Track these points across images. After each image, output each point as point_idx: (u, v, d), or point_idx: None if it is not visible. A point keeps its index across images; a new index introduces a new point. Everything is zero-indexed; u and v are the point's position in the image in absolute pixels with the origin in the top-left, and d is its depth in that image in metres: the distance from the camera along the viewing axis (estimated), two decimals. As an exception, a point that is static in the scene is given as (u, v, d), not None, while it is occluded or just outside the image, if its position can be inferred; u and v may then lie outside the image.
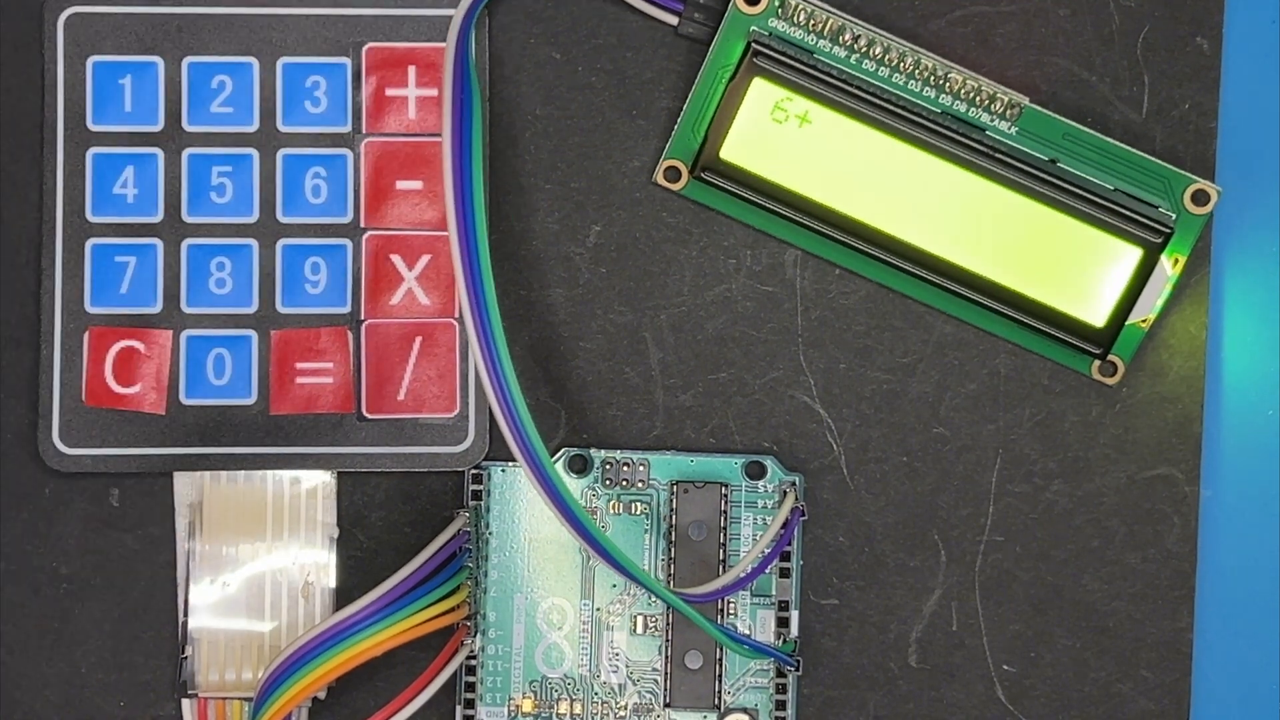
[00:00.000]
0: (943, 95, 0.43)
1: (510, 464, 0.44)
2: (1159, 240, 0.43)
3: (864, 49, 0.43)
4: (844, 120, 0.42)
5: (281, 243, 0.43)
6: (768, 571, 0.44)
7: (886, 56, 0.43)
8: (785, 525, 0.43)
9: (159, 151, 0.43)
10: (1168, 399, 0.44)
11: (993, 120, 0.43)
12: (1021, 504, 0.44)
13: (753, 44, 0.43)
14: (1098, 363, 0.44)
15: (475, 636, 0.43)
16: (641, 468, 0.44)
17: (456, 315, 0.44)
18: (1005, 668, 0.44)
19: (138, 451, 0.43)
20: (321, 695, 0.43)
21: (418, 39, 0.43)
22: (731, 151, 0.43)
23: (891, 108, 0.43)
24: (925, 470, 0.44)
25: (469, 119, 0.41)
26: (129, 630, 0.44)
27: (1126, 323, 0.43)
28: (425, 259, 0.43)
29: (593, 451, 0.44)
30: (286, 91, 0.43)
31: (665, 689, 0.44)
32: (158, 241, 0.43)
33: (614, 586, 0.44)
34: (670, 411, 0.44)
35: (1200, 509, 0.44)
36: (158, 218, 0.43)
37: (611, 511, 0.44)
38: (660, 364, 0.44)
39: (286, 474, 0.44)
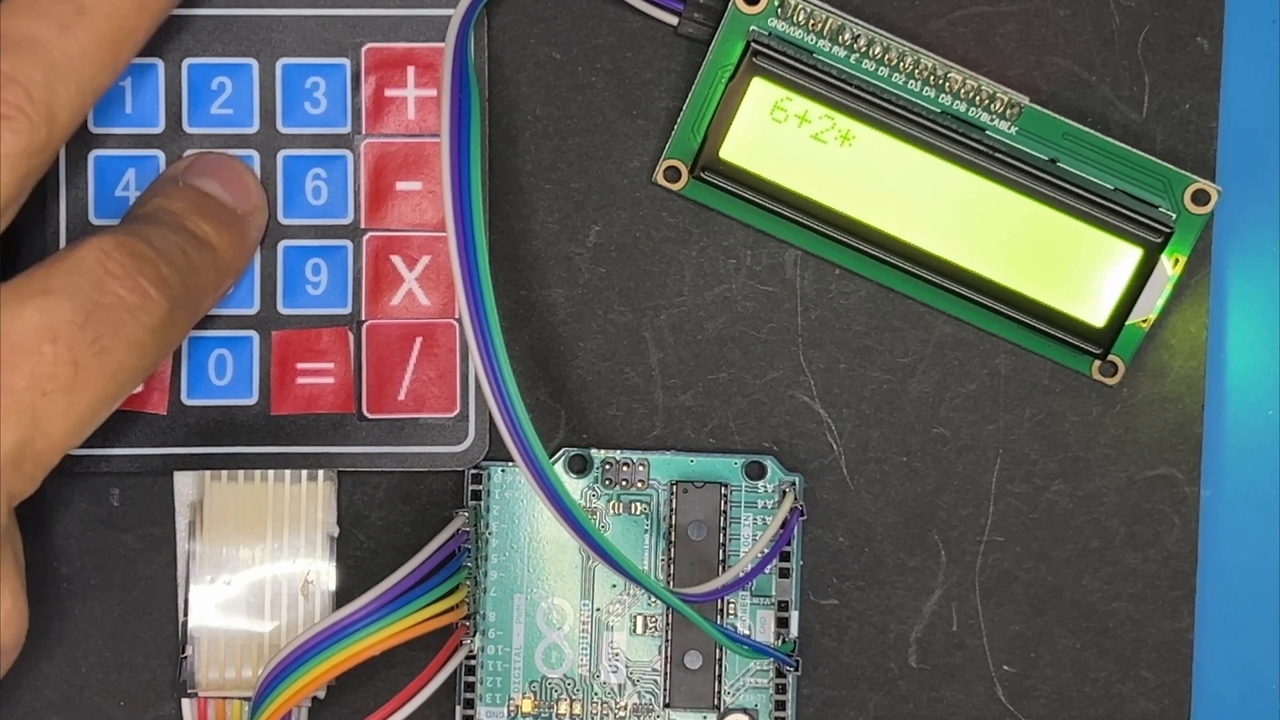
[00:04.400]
0: (943, 95, 0.43)
1: (510, 464, 0.44)
2: (1159, 240, 0.43)
3: (864, 49, 0.43)
4: (844, 120, 0.42)
5: (282, 244, 0.43)
6: (767, 571, 0.44)
7: (886, 56, 0.43)
8: (785, 525, 0.43)
9: (160, 154, 0.43)
10: (1168, 399, 0.44)
11: (993, 120, 0.43)
12: (1021, 504, 0.44)
13: (752, 44, 0.43)
14: (1098, 363, 0.44)
15: (475, 636, 0.44)
16: (641, 468, 0.44)
17: (456, 316, 0.44)
18: (1005, 668, 0.44)
19: (138, 451, 0.43)
20: (321, 694, 0.43)
21: (417, 39, 0.43)
22: (731, 151, 0.43)
23: (891, 108, 0.43)
24: (925, 470, 0.44)
25: (468, 119, 0.41)
26: (129, 630, 0.44)
27: (1127, 323, 0.43)
28: (425, 259, 0.43)
29: (593, 451, 0.44)
30: (286, 92, 0.43)
31: (665, 689, 0.44)
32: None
33: (614, 586, 0.44)
34: (670, 411, 0.44)
35: (1200, 509, 0.44)
36: (159, 219, 0.43)
37: (611, 511, 0.44)
38: (660, 364, 0.44)
39: (286, 474, 0.44)
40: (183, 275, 0.39)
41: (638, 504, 0.44)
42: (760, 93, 0.43)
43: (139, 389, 0.43)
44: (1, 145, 0.37)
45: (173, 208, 0.41)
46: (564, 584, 0.44)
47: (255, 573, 0.43)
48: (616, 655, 0.44)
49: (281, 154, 0.43)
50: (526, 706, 0.44)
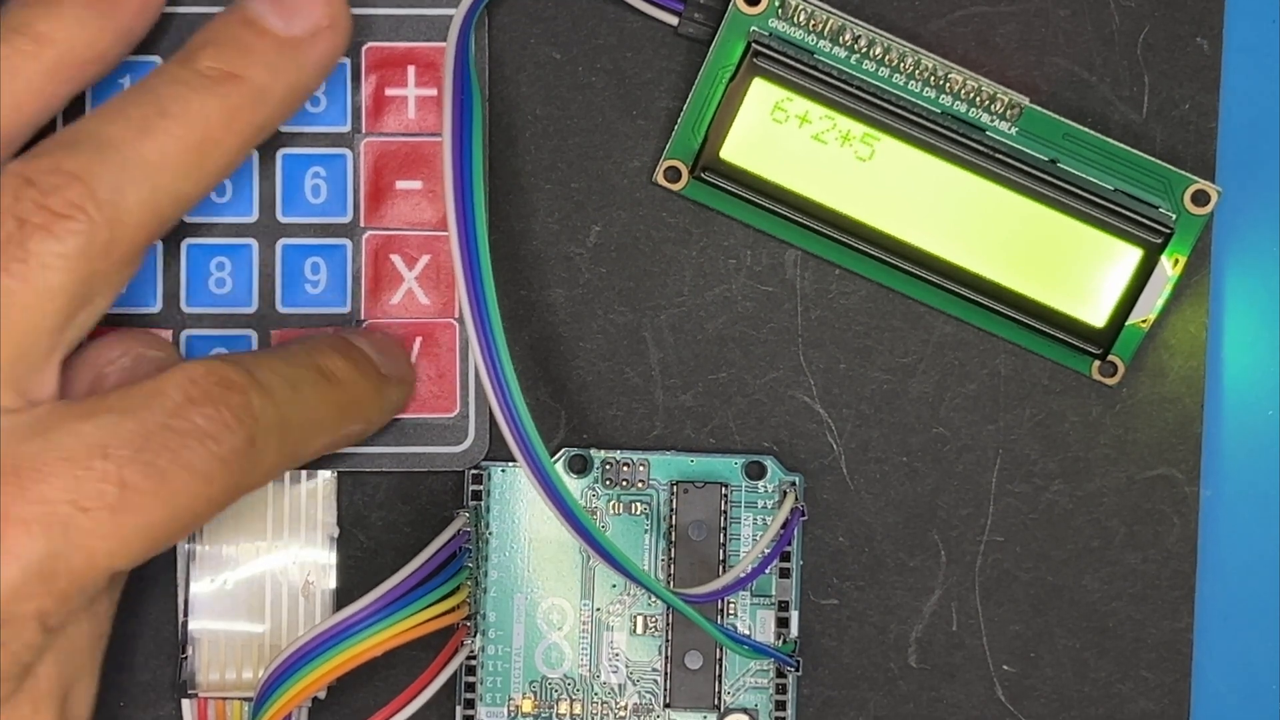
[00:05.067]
0: (943, 95, 0.43)
1: (510, 464, 0.44)
2: (1159, 240, 0.43)
3: (864, 49, 0.43)
4: (845, 121, 0.42)
5: (281, 242, 0.43)
6: (768, 571, 0.44)
7: (886, 57, 0.43)
8: (785, 525, 0.43)
9: (158, 151, 0.43)
10: (1168, 399, 0.44)
11: (993, 120, 0.43)
12: (1021, 504, 0.44)
13: (753, 44, 0.43)
14: (1098, 363, 0.44)
15: (475, 636, 0.43)
16: (641, 468, 0.44)
17: (456, 315, 0.44)
18: (1005, 668, 0.44)
19: (137, 451, 0.43)
20: (321, 695, 0.43)
21: (418, 39, 0.43)
22: (731, 152, 0.43)
23: (892, 108, 0.43)
24: (925, 470, 0.44)
25: (469, 119, 0.41)
26: (129, 630, 0.44)
27: (1126, 323, 0.43)
28: (425, 259, 0.43)
29: (593, 451, 0.44)
30: (286, 91, 0.43)
31: (665, 689, 0.44)
32: (157, 241, 0.43)
33: (614, 586, 0.44)
34: (670, 411, 0.44)
35: (1200, 509, 0.44)
36: (157, 217, 0.43)
37: (611, 511, 0.44)
38: (660, 364, 0.44)
39: (286, 474, 0.43)
40: (281, 408, 0.38)
41: (638, 504, 0.44)
42: (761, 93, 0.43)
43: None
44: (56, 244, 0.36)
45: (309, 343, 0.40)
46: (564, 584, 0.44)
47: (255, 573, 0.43)
48: (616, 655, 0.44)
49: (280, 152, 0.43)
50: (526, 706, 0.44)
